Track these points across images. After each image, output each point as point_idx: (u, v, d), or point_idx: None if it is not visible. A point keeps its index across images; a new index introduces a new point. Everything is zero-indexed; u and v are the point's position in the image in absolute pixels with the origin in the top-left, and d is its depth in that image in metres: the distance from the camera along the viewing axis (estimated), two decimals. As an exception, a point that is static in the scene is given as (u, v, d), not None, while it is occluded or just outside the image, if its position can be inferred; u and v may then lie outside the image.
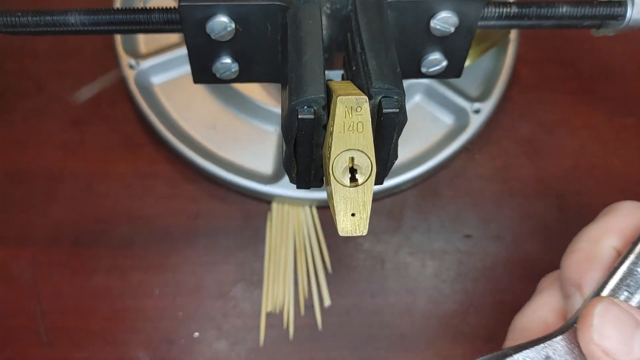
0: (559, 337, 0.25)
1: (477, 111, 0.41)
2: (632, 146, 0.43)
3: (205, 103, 0.42)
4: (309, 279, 0.40)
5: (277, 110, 0.41)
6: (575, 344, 0.25)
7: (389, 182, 0.40)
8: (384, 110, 0.22)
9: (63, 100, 0.44)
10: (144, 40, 0.43)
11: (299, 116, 0.22)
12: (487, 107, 0.41)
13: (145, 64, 0.42)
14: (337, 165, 0.22)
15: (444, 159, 0.40)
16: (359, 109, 0.21)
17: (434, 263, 0.40)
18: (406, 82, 0.40)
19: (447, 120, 0.42)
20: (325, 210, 0.41)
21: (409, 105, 0.42)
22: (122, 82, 0.42)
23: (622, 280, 0.25)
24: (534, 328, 0.28)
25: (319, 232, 0.41)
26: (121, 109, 0.43)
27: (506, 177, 0.42)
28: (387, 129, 0.23)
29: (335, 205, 0.22)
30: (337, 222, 0.22)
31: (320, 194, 0.40)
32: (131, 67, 0.41)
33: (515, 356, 0.25)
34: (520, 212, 0.42)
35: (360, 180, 0.22)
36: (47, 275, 0.40)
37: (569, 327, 0.25)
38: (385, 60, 0.23)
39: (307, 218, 0.41)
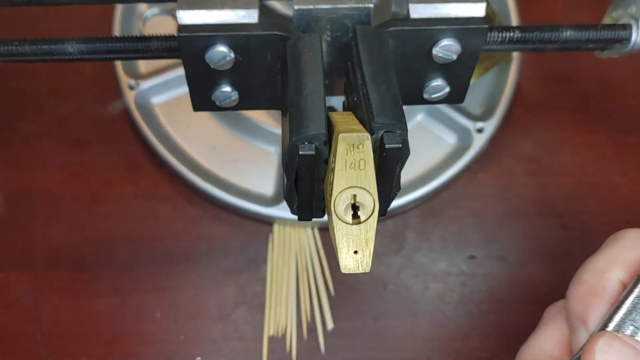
0: None
1: (480, 130, 0.41)
2: (635, 163, 0.43)
3: (206, 123, 0.42)
4: (312, 302, 0.39)
5: (278, 131, 0.41)
6: None
7: (391, 205, 0.39)
8: (386, 146, 0.22)
9: (63, 121, 0.43)
10: (143, 61, 0.43)
11: (300, 152, 0.22)
12: (490, 126, 0.41)
13: (145, 84, 0.41)
14: (339, 203, 0.21)
15: (447, 180, 0.40)
16: (360, 147, 0.21)
17: (437, 285, 0.40)
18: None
19: (449, 139, 0.42)
20: (327, 232, 0.41)
21: (410, 125, 0.42)
22: (122, 102, 0.42)
23: (627, 314, 0.25)
24: None
25: (321, 253, 0.40)
26: (121, 129, 0.43)
27: (509, 196, 0.42)
28: (389, 164, 0.23)
29: (337, 242, 0.22)
30: (340, 260, 0.22)
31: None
32: (131, 87, 0.41)
33: None
34: (523, 232, 0.41)
35: (362, 218, 0.22)
36: (47, 298, 0.39)
37: None
38: (387, 94, 0.23)
39: (309, 240, 0.40)
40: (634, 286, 0.25)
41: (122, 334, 0.39)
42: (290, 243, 0.40)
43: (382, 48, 0.26)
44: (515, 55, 0.43)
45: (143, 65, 0.43)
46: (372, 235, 0.22)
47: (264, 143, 0.41)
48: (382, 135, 0.22)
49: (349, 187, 0.21)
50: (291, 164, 0.23)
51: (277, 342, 0.38)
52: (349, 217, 0.22)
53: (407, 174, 0.41)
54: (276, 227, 0.41)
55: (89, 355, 0.38)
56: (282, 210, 0.39)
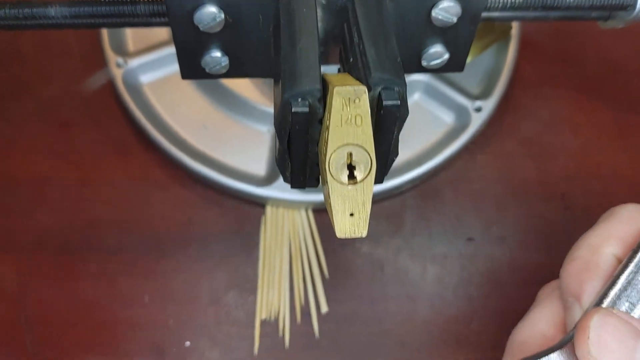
0: (557, 352, 0.24)
1: (478, 109, 0.40)
2: (637, 144, 0.42)
3: (196, 102, 0.41)
4: (305, 285, 0.38)
5: (270, 109, 0.39)
6: (575, 359, 0.23)
7: (388, 184, 0.38)
8: (384, 103, 0.21)
9: (50, 103, 0.42)
10: (132, 38, 0.42)
11: (293, 110, 0.21)
12: (488, 105, 0.40)
13: (134, 62, 0.40)
14: (334, 162, 0.20)
15: (444, 159, 0.39)
16: (357, 101, 0.20)
17: (436, 268, 0.39)
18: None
19: (447, 119, 0.41)
20: (321, 213, 0.40)
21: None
22: (110, 82, 0.41)
23: (622, 290, 0.24)
24: (533, 342, 0.27)
25: (315, 236, 0.39)
26: (110, 110, 0.42)
27: (509, 178, 0.41)
28: (387, 123, 0.22)
29: (332, 204, 0.21)
30: (335, 223, 0.21)
31: (316, 196, 0.38)
32: (119, 65, 0.40)
33: None
34: (524, 214, 0.40)
35: (359, 178, 0.20)
36: (32, 282, 0.38)
37: (567, 342, 0.24)
38: (385, 50, 0.22)
39: (302, 221, 0.39)
40: (629, 261, 0.24)
41: (110, 319, 0.37)
42: (284, 225, 0.39)
43: (380, 7, 0.25)
44: (515, 33, 0.42)
45: (131, 43, 0.42)
46: (369, 196, 0.21)
47: (256, 122, 0.40)
48: (379, 92, 0.21)
49: (344, 145, 0.20)
50: (284, 123, 0.21)
51: (270, 326, 0.37)
52: (344, 177, 0.20)
53: (404, 153, 0.39)
54: (269, 209, 0.39)
55: (75, 340, 0.37)
56: (275, 190, 0.38)
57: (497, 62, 0.42)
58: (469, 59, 0.40)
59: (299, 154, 0.23)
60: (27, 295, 0.38)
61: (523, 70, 0.43)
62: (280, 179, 0.38)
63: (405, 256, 0.39)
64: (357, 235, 0.21)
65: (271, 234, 0.39)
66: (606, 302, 0.24)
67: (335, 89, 0.20)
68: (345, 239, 0.21)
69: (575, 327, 0.24)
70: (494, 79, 0.41)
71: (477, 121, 0.40)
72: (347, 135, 0.20)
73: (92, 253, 0.39)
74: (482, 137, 0.41)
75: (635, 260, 0.25)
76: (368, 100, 0.20)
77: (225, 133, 0.40)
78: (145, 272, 0.38)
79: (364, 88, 0.20)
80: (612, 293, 0.24)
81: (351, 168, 0.20)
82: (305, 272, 0.38)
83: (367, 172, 0.20)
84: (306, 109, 0.21)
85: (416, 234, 0.39)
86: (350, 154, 0.20)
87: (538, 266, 0.39)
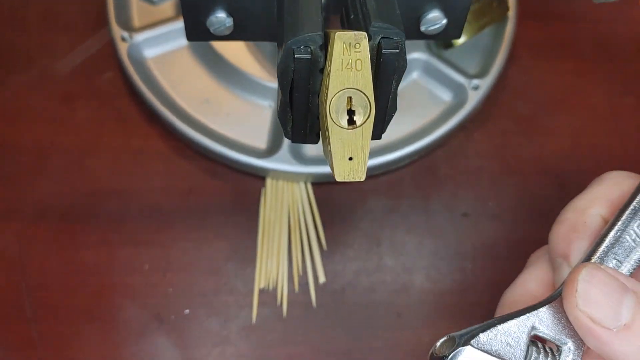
0: (545, 307, 0.24)
1: (475, 88, 0.41)
2: (631, 126, 0.43)
3: (199, 77, 0.41)
4: (304, 256, 0.39)
5: (272, 84, 0.40)
6: (562, 313, 0.24)
7: (385, 158, 0.39)
8: (383, 51, 0.22)
9: (54, 74, 0.43)
10: (137, 13, 0.43)
11: (295, 56, 0.21)
12: (485, 83, 0.41)
13: (139, 37, 0.41)
14: (335, 106, 0.21)
15: (441, 135, 0.40)
16: (357, 46, 0.21)
17: (432, 241, 0.39)
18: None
19: (444, 97, 0.42)
20: (320, 186, 0.40)
21: (405, 82, 0.42)
22: (114, 55, 0.42)
23: (609, 247, 0.25)
24: (523, 302, 0.27)
25: (314, 208, 0.40)
26: (113, 82, 0.42)
27: (505, 155, 0.42)
28: (386, 72, 0.22)
29: (332, 148, 0.21)
30: (334, 167, 0.21)
31: (315, 168, 0.39)
32: (124, 39, 0.41)
33: (500, 326, 0.23)
34: (519, 191, 0.41)
35: (358, 122, 0.21)
36: (33, 250, 0.38)
37: (555, 297, 0.24)
38: (385, 2, 0.23)
39: (302, 194, 0.40)
40: (617, 220, 0.25)
41: (109, 286, 0.38)
42: (283, 197, 0.40)
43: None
44: (512, 15, 0.43)
45: (137, 18, 0.42)
46: (367, 140, 0.21)
47: (258, 97, 0.41)
48: (379, 41, 0.22)
49: (345, 89, 0.21)
50: (286, 72, 0.22)
51: (268, 295, 0.38)
52: (344, 122, 0.21)
53: (402, 128, 0.40)
54: (269, 181, 0.40)
55: (74, 307, 0.37)
56: (275, 162, 0.38)
57: (494, 43, 0.42)
58: (466, 39, 0.41)
59: (301, 105, 0.23)
60: (27, 262, 0.38)
61: (519, 51, 0.44)
62: (281, 152, 0.39)
63: (401, 230, 0.40)
64: (356, 179, 0.22)
65: (271, 206, 0.39)
66: (594, 259, 0.25)
67: (337, 34, 0.21)
68: (345, 182, 0.22)
69: (563, 283, 0.24)
70: (491, 59, 0.42)
71: (473, 99, 0.40)
72: (347, 80, 0.21)
73: (92, 222, 0.39)
74: (479, 115, 0.42)
75: (623, 218, 0.25)
76: (368, 46, 0.21)
77: (227, 107, 0.41)
78: (146, 242, 0.39)
79: (364, 33, 0.21)
80: (600, 250, 0.25)
81: (351, 113, 0.21)
82: (303, 244, 0.39)
83: (366, 117, 0.21)
84: (308, 56, 0.21)
85: (413, 209, 0.40)
86: (350, 99, 0.21)
87: (531, 241, 0.39)
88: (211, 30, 0.28)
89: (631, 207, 0.25)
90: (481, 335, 0.23)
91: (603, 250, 0.25)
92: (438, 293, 0.38)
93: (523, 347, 0.23)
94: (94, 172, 0.40)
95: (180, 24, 0.40)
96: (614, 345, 0.22)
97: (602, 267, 0.23)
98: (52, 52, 0.43)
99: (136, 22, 0.43)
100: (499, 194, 0.41)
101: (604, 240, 0.25)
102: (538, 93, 0.43)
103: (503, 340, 0.23)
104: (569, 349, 0.24)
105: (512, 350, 0.23)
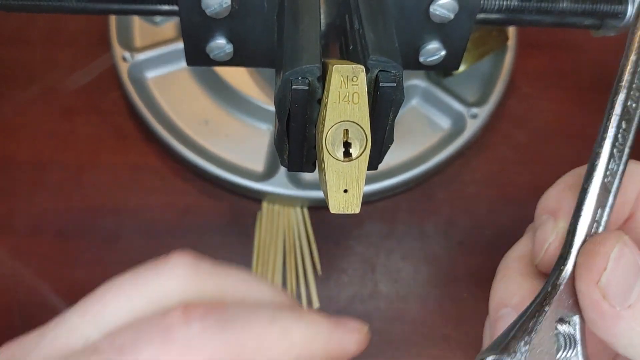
0: (557, 293, 0.21)
1: (474, 116, 0.41)
2: (631, 157, 0.43)
3: (199, 99, 0.42)
4: (298, 281, 0.39)
5: (271, 108, 0.40)
6: (569, 293, 0.22)
7: (382, 184, 0.39)
8: (381, 84, 0.22)
9: (55, 90, 0.43)
10: (139, 34, 0.43)
11: (293, 87, 0.21)
12: (484, 112, 0.41)
13: (140, 57, 0.41)
14: (331, 138, 0.21)
15: (439, 163, 0.40)
16: (355, 79, 0.21)
17: (427, 269, 0.39)
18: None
19: (443, 124, 0.42)
20: (316, 211, 0.40)
21: (404, 109, 0.42)
22: (115, 74, 0.42)
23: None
24: (529, 257, 0.26)
25: (309, 233, 0.40)
26: (113, 101, 0.42)
27: (501, 183, 0.42)
28: (383, 105, 0.22)
29: (327, 180, 0.21)
30: (329, 199, 0.21)
31: (311, 193, 0.39)
32: (125, 59, 0.41)
33: (535, 340, 0.22)
34: (515, 218, 0.41)
35: (354, 154, 0.21)
36: (27, 266, 0.38)
37: (560, 278, 0.22)
38: (384, 35, 0.23)
39: (297, 218, 0.40)
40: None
41: (102, 306, 0.37)
42: (279, 221, 0.40)
43: (380, 0, 0.26)
44: (511, 44, 0.43)
45: (139, 38, 0.43)
46: (363, 173, 0.21)
47: (257, 120, 0.41)
48: (377, 75, 0.22)
49: (341, 121, 0.21)
50: (284, 101, 0.22)
51: (261, 319, 0.37)
52: (340, 154, 0.21)
53: (400, 155, 0.40)
54: (265, 205, 0.40)
55: (67, 326, 0.37)
56: (272, 186, 0.38)
57: (493, 71, 0.43)
58: (465, 67, 0.41)
59: (297, 135, 0.23)
60: (20, 279, 0.38)
61: (518, 80, 0.44)
62: (277, 176, 0.39)
63: (397, 256, 0.39)
64: (350, 211, 0.22)
65: (266, 229, 0.39)
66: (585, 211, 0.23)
67: (335, 67, 0.21)
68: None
69: (580, 251, 0.22)
70: (490, 87, 0.42)
71: (472, 127, 0.41)
72: (344, 112, 0.21)
73: (88, 239, 0.39)
74: (477, 143, 0.42)
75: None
76: (365, 79, 0.21)
77: (226, 129, 0.41)
78: (139, 262, 0.38)
79: (361, 67, 0.21)
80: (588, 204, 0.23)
81: (347, 145, 0.21)
82: (298, 268, 0.39)
83: (362, 150, 0.21)
84: (306, 87, 0.21)
85: (408, 235, 0.40)
86: (347, 131, 0.21)
87: (528, 271, 0.39)
88: (211, 56, 0.28)
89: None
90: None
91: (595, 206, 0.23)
92: (432, 322, 0.38)
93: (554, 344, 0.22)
94: (91, 189, 0.40)
95: (181, 45, 0.40)
96: (614, 324, 0.20)
97: (627, 241, 0.21)
98: (54, 68, 0.43)
99: (138, 42, 0.43)
100: (496, 222, 0.41)
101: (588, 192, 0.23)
102: (536, 122, 0.44)
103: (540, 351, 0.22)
104: (576, 322, 0.22)
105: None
